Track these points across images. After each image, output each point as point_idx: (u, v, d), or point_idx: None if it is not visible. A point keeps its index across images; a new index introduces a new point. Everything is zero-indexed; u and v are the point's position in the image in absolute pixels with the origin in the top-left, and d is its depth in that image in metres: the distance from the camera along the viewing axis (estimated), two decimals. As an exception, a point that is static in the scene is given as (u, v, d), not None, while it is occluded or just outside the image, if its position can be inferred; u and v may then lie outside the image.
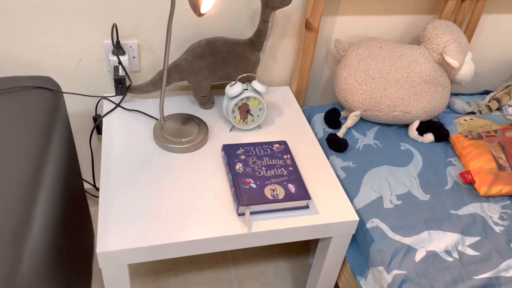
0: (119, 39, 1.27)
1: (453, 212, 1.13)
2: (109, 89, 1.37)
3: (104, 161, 1.12)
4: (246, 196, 1.02)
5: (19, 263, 0.71)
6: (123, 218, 0.98)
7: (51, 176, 0.92)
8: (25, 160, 0.86)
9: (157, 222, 0.98)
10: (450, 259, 1.02)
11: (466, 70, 1.34)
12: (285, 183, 1.06)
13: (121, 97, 1.31)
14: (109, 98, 1.31)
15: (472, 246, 1.05)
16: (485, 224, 1.11)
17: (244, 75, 1.21)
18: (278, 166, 1.11)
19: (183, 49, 1.34)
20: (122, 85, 1.25)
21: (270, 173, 1.09)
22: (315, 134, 1.38)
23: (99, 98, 1.36)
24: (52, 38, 1.22)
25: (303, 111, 1.48)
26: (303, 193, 1.04)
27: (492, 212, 1.14)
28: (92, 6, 1.19)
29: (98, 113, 1.39)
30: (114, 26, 1.21)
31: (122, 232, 0.95)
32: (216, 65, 1.25)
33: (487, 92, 1.61)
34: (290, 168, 1.11)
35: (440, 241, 1.06)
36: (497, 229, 1.10)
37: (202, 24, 1.31)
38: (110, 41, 1.26)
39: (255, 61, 1.28)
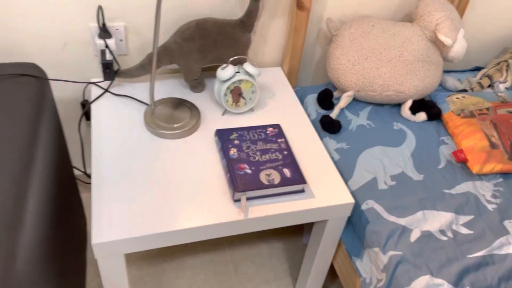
0: (105, 21, 1.23)
1: (446, 191, 1.14)
2: (97, 74, 1.33)
3: (95, 149, 1.10)
4: (241, 182, 1.01)
5: (14, 260, 0.70)
6: (117, 208, 0.97)
7: (41, 166, 0.90)
8: (13, 152, 0.83)
9: (152, 211, 0.97)
10: (445, 238, 1.03)
11: (458, 47, 1.33)
12: (280, 167, 1.06)
13: (109, 82, 1.28)
14: (97, 83, 1.27)
15: (466, 225, 1.07)
16: (478, 202, 1.12)
17: (236, 57, 1.18)
18: (272, 150, 1.10)
19: (172, 30, 1.30)
20: (109, 70, 1.21)
21: (265, 158, 1.08)
22: (308, 116, 1.37)
23: (86, 83, 1.32)
24: (34, 22, 1.17)
25: (296, 92, 1.46)
26: (298, 178, 1.04)
27: (484, 190, 1.15)
28: (75, -12, 1.14)
29: (86, 98, 1.36)
30: (100, 8, 1.16)
31: (116, 222, 0.94)
32: (206, 47, 1.22)
33: (478, 69, 1.61)
34: (285, 152, 1.10)
35: (434, 221, 1.07)
36: (490, 207, 1.11)
37: (191, 4, 1.27)
38: (96, 24, 1.22)
39: (246, 43, 1.25)
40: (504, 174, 1.19)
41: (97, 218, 0.94)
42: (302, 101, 1.43)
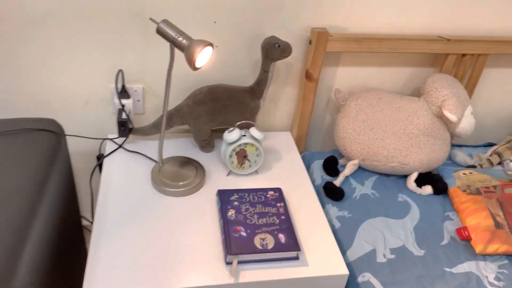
0: (126, 83, 1.32)
1: (447, 269, 1.11)
2: (114, 130, 1.41)
3: (100, 201, 1.14)
4: (235, 245, 1.02)
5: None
6: (112, 263, 0.99)
7: (44, 215, 0.95)
8: (18, 201, 0.89)
9: (145, 267, 0.99)
10: (442, 320, 0.99)
11: (465, 124, 1.34)
12: (275, 232, 1.07)
13: (124, 138, 1.35)
14: (112, 139, 1.35)
15: (466, 307, 1.02)
16: (480, 284, 1.08)
17: (243, 122, 1.24)
18: (270, 214, 1.12)
19: (186, 94, 1.38)
20: (124, 128, 1.29)
21: (261, 221, 1.09)
22: (313, 181, 1.39)
23: (102, 140, 1.40)
24: (61, 81, 1.28)
25: (303, 157, 1.49)
26: (292, 244, 1.04)
27: (488, 271, 1.11)
28: (100, 52, 1.25)
29: (102, 152, 1.43)
30: (120, 72, 1.26)
31: (109, 278, 0.96)
32: (216, 111, 1.28)
33: (491, 145, 1.60)
34: (283, 217, 1.11)
35: (432, 300, 1.03)
36: (493, 290, 1.07)
37: (206, 72, 1.35)
38: (116, 86, 1.32)
39: (254, 108, 1.31)
40: (510, 256, 1.15)
41: (90, 268, 0.97)
42: (309, 166, 1.46)
